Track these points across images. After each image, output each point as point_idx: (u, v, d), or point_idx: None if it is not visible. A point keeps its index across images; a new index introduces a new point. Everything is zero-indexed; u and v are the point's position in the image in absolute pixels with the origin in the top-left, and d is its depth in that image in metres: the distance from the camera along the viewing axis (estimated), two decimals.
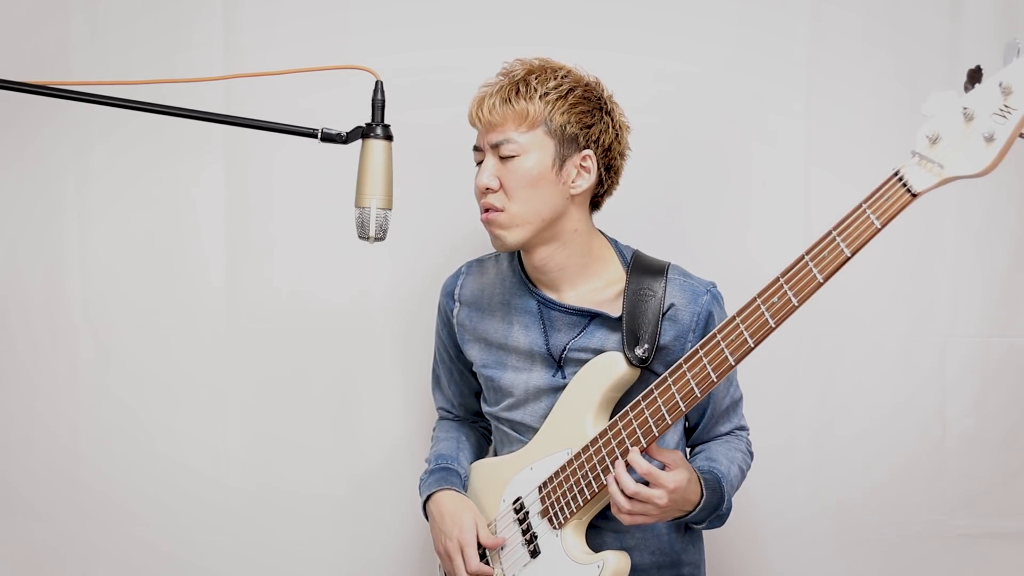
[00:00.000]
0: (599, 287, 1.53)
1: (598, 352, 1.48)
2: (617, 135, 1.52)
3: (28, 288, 1.96)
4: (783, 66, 1.89)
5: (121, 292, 1.96)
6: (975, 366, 1.91)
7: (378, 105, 1.37)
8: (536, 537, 1.48)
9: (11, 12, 1.90)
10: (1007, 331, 1.91)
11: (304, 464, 1.99)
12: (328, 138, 1.36)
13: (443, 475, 1.62)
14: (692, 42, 1.89)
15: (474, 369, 1.64)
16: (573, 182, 1.48)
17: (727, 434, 1.60)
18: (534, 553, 1.48)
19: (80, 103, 1.33)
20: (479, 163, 1.52)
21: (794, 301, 1.21)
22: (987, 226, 1.90)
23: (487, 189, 1.47)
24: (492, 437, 1.70)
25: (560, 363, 1.52)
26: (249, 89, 1.75)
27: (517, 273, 1.59)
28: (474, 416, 1.77)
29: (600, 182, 1.52)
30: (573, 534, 1.46)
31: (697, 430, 1.59)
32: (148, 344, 1.97)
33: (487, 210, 1.49)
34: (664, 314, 1.47)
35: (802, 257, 1.20)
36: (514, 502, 1.53)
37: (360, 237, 1.38)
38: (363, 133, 1.37)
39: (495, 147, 1.47)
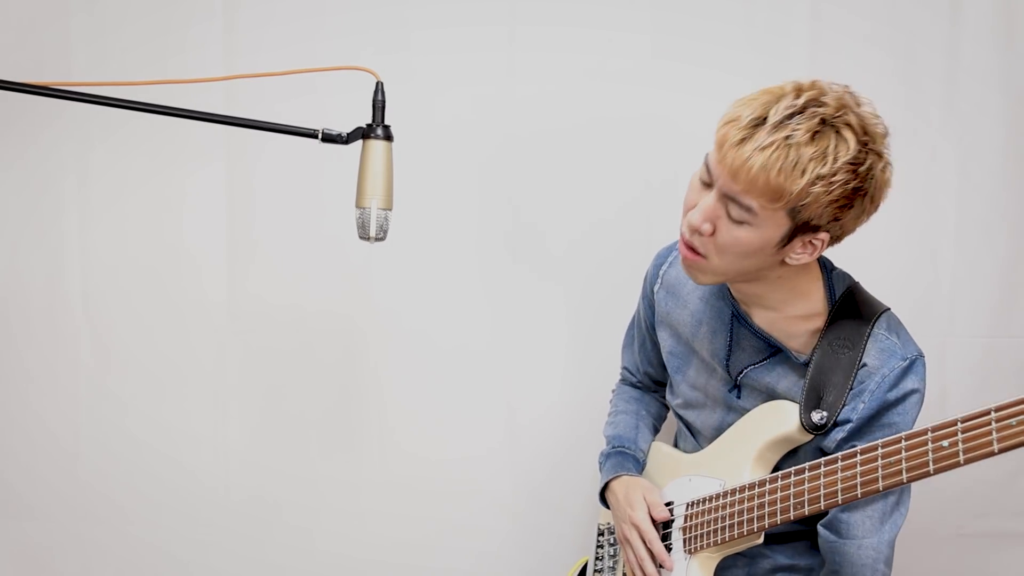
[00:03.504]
0: (793, 318, 1.38)
1: (772, 388, 1.39)
2: (865, 215, 1.29)
3: (28, 288, 1.96)
4: (783, 66, 1.89)
5: (121, 292, 1.96)
6: (974, 366, 1.91)
7: (378, 106, 1.37)
8: (670, 549, 1.44)
9: (11, 12, 1.90)
10: (1007, 331, 1.91)
11: (304, 464, 1.99)
12: (329, 138, 1.36)
13: (619, 460, 1.58)
14: (692, 42, 1.89)
15: (662, 350, 1.59)
16: (793, 255, 1.29)
17: None
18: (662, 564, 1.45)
19: (80, 103, 1.34)
20: (702, 182, 1.30)
21: (960, 458, 1.08)
22: (987, 225, 1.90)
23: (697, 230, 1.29)
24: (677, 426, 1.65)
25: (737, 383, 1.44)
26: (249, 90, 1.75)
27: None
28: (654, 385, 1.72)
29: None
30: (700, 566, 1.41)
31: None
32: (148, 343, 1.97)
33: (688, 246, 1.32)
34: (856, 375, 1.31)
35: (988, 411, 1.07)
36: (666, 504, 1.49)
37: (361, 237, 1.38)
38: (364, 134, 1.37)
39: (726, 198, 1.25)
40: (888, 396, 1.30)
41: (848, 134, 1.22)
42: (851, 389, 1.31)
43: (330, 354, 1.97)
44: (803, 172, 1.19)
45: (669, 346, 1.56)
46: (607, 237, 1.94)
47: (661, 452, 1.63)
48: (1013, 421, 1.02)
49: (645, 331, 1.66)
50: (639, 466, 1.59)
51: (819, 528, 1.39)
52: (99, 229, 1.96)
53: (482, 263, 1.95)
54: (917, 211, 1.90)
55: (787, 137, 1.20)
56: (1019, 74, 1.86)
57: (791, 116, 1.21)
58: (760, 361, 1.41)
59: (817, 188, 1.20)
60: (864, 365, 1.31)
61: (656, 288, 1.59)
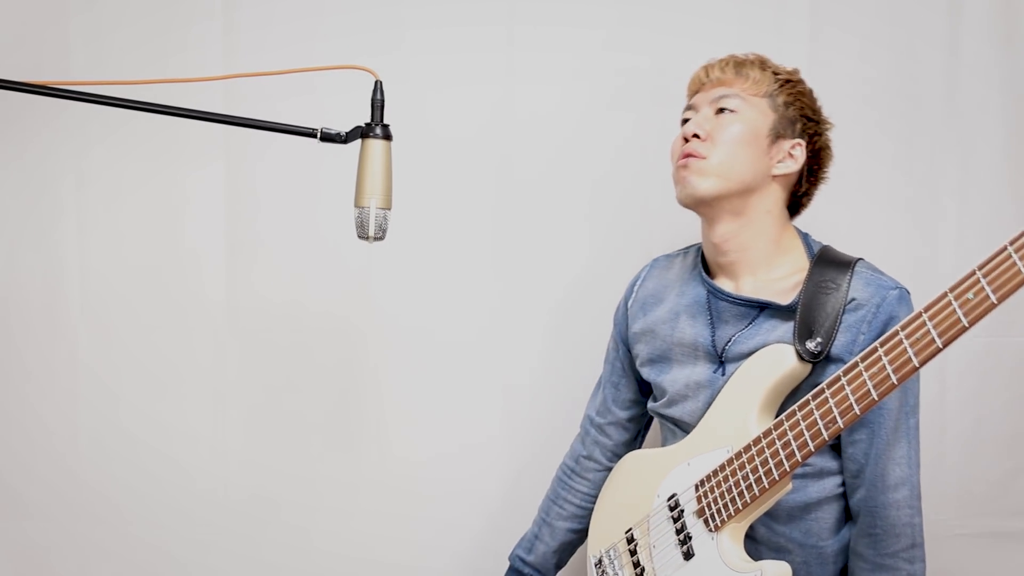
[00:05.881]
0: (778, 277, 1.46)
1: (763, 345, 1.41)
2: (826, 149, 1.53)
3: (27, 287, 1.96)
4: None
5: (120, 291, 1.96)
6: (975, 366, 1.91)
7: (377, 105, 1.37)
8: (691, 538, 1.40)
9: (11, 12, 1.90)
10: (1007, 331, 1.91)
11: (303, 463, 1.99)
12: (328, 138, 1.36)
13: None
14: (692, 42, 1.88)
15: (637, 366, 1.61)
16: (779, 161, 1.47)
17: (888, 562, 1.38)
18: (687, 555, 1.40)
19: (80, 103, 1.33)
20: (685, 120, 1.52)
21: (992, 298, 1.09)
22: (987, 224, 1.90)
23: (694, 136, 1.45)
24: (661, 433, 1.65)
25: (722, 358, 1.46)
26: (248, 89, 1.75)
27: (697, 265, 1.55)
28: (613, 433, 1.70)
29: (800, 181, 1.51)
30: (730, 539, 1.36)
31: (857, 522, 1.43)
32: (147, 343, 1.96)
33: (687, 155, 1.46)
34: (845, 309, 1.37)
35: (1004, 248, 1.09)
36: (669, 498, 1.45)
37: (359, 237, 1.38)
38: (362, 133, 1.37)
39: (716, 101, 1.47)
40: (890, 315, 1.36)
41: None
42: (841, 322, 1.36)
43: (329, 353, 1.97)
44: (768, 67, 1.49)
45: (647, 354, 1.58)
46: (608, 237, 1.94)
47: (640, 458, 1.60)
48: None
49: (615, 359, 1.68)
50: None
51: (850, 487, 1.41)
52: (98, 229, 1.96)
53: (481, 262, 1.95)
54: (918, 209, 1.90)
55: (741, 53, 1.52)
56: (1019, 72, 1.86)
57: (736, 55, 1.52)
58: (746, 326, 1.45)
59: (783, 77, 1.48)
60: (852, 299, 1.38)
61: (630, 304, 1.64)
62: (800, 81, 1.51)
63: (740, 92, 1.46)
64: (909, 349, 1.15)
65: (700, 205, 1.47)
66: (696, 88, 1.53)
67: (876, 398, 1.20)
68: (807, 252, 1.48)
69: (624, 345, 1.66)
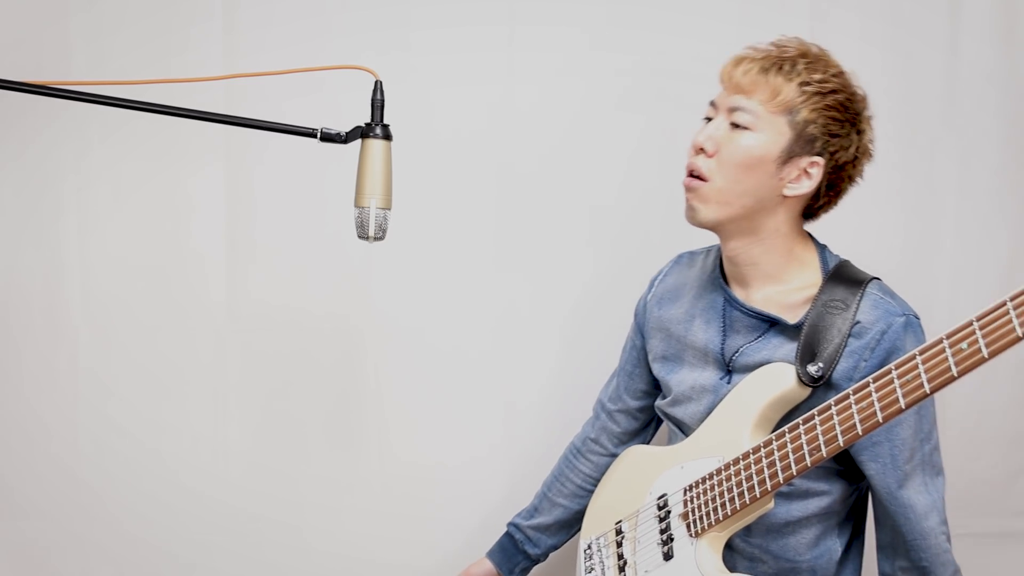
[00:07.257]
0: (788, 291, 1.42)
1: (767, 361, 1.40)
2: (856, 159, 1.41)
3: (27, 288, 1.96)
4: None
5: (121, 292, 1.96)
6: None
7: (377, 105, 1.37)
8: (672, 540, 1.42)
9: (11, 12, 1.90)
10: None
11: (304, 464, 1.99)
12: (328, 138, 1.36)
13: (498, 544, 1.78)
14: (692, 42, 1.89)
15: (650, 360, 1.61)
16: (790, 182, 1.39)
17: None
18: (667, 556, 1.42)
19: (80, 103, 1.33)
20: (706, 119, 1.44)
21: (984, 352, 1.07)
22: (987, 224, 1.90)
23: (701, 149, 1.40)
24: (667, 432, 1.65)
25: (730, 367, 1.46)
26: (249, 89, 1.75)
27: (716, 268, 1.53)
28: (622, 421, 1.70)
29: (817, 195, 1.42)
30: (709, 547, 1.38)
31: (881, 539, 1.44)
32: (148, 343, 1.96)
33: (691, 173, 1.41)
34: (850, 332, 1.34)
35: (1004, 303, 1.05)
36: (659, 498, 1.48)
37: (359, 237, 1.38)
38: (362, 133, 1.37)
39: (731, 111, 1.39)
40: (894, 345, 1.33)
41: (833, 59, 1.40)
42: (846, 346, 1.34)
43: (329, 354, 1.97)
44: (798, 72, 1.36)
45: (660, 350, 1.58)
46: (606, 237, 1.94)
47: (640, 453, 1.62)
48: None
49: (631, 349, 1.68)
50: (514, 543, 1.75)
51: (879, 518, 1.43)
52: (98, 229, 1.96)
53: (482, 263, 1.95)
54: (917, 209, 1.90)
55: (780, 48, 1.39)
56: (1019, 72, 1.86)
57: (781, 45, 1.40)
58: (755, 339, 1.44)
59: (811, 88, 1.36)
60: (858, 322, 1.35)
61: (649, 297, 1.64)
62: (832, 91, 1.37)
63: (758, 104, 1.37)
64: (899, 389, 1.16)
65: (704, 228, 1.45)
66: (722, 84, 1.43)
67: (860, 433, 1.21)
68: (822, 267, 1.44)
69: (641, 336, 1.65)
